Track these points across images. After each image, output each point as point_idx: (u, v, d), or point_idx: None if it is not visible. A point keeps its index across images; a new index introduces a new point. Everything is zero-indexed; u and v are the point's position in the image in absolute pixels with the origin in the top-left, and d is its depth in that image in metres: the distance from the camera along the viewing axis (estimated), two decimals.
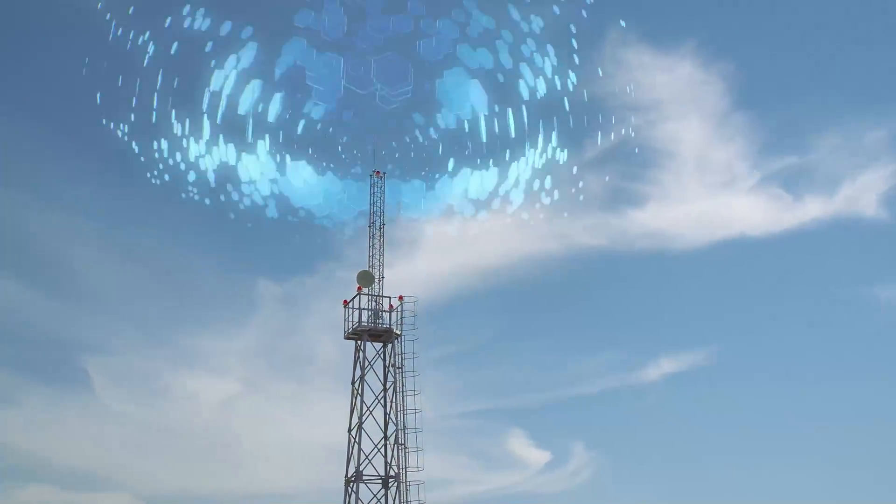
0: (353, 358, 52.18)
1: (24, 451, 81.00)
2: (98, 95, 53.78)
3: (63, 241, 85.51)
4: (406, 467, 51.06)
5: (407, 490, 50.81)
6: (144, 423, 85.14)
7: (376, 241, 53.06)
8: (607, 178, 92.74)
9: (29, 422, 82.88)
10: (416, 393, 51.81)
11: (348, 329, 52.20)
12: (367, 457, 50.86)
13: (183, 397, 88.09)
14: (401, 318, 52.45)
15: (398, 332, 52.32)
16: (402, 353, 52.33)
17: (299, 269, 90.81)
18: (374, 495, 50.64)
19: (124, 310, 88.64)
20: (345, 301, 52.37)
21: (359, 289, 52.01)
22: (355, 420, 51.32)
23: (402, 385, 52.01)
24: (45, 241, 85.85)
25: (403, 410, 51.71)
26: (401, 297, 52.60)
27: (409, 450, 51.16)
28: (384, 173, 53.83)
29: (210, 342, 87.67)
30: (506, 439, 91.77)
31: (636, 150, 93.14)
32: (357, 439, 50.96)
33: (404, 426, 51.50)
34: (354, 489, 50.35)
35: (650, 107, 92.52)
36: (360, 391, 51.64)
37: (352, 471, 50.73)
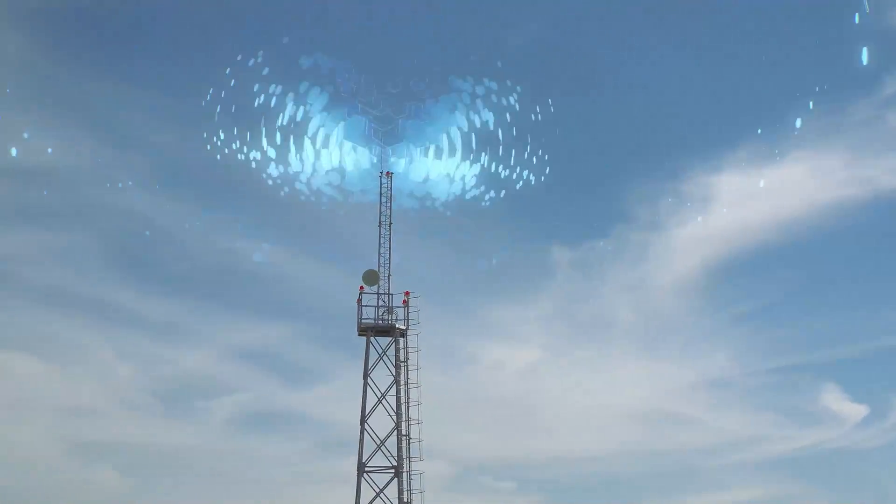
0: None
1: (347, 424, 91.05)
2: None
3: (361, 223, 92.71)
4: (409, 457, 53.18)
5: (409, 479, 52.99)
6: (455, 392, 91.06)
7: (385, 240, 55.21)
8: None
9: (349, 397, 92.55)
10: (418, 386, 53.73)
11: (359, 325, 54.98)
12: (378, 447, 53.64)
13: (488, 366, 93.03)
14: (407, 314, 54.33)
15: (402, 329, 54.22)
16: (406, 348, 54.24)
17: (592, 234, 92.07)
18: (380, 490, 53.32)
19: (428, 285, 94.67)
20: (358, 300, 55.19)
21: (361, 288, 54.66)
22: (368, 412, 54.30)
23: (407, 378, 54.00)
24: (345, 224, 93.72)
25: (407, 402, 53.74)
26: (407, 293, 54.41)
27: (412, 441, 53.26)
28: (393, 174, 55.72)
29: (510, 311, 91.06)
30: (819, 394, 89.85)
31: None
32: (366, 430, 53.95)
33: (407, 418, 53.56)
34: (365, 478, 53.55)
35: None
36: (368, 385, 54.44)
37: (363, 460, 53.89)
